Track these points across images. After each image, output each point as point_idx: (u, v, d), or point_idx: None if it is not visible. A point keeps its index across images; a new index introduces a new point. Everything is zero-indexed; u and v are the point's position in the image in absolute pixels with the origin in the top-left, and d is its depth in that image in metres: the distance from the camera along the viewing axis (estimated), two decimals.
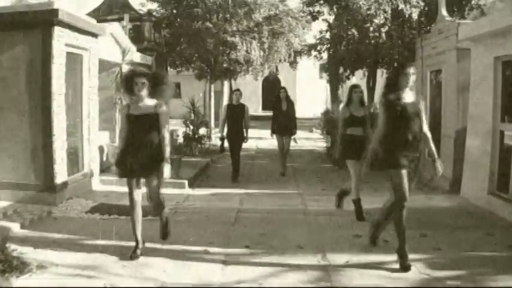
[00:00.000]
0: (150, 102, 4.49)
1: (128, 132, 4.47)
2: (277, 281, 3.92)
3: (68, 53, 6.70)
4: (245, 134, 9.10)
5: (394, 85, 4.29)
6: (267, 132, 10.50)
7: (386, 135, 4.24)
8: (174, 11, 15.01)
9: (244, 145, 9.40)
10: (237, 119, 8.98)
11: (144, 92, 4.44)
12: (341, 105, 12.37)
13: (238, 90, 9.41)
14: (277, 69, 19.05)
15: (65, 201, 6.43)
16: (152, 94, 4.50)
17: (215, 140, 13.26)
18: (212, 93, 17.04)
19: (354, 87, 6.18)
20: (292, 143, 10.03)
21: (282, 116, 9.60)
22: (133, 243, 4.47)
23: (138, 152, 4.35)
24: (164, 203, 4.72)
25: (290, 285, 3.84)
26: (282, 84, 22.62)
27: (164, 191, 7.14)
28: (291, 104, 9.71)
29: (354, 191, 5.98)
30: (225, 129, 9.19)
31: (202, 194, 7.85)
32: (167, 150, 4.42)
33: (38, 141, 6.29)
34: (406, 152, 4.15)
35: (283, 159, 9.94)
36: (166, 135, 4.48)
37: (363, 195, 5.92)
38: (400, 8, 12.01)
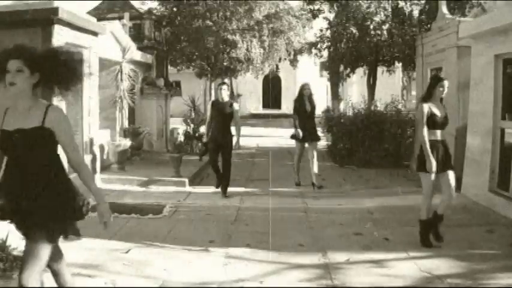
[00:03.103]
0: (38, 105, 2.52)
1: (7, 161, 2.56)
2: (278, 279, 3.91)
3: None
4: (237, 139, 7.41)
5: None
6: (268, 130, 10.44)
7: None
8: (175, 9, 15.02)
9: (245, 143, 9.29)
10: (224, 118, 7.21)
11: (25, 88, 2.45)
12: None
13: (224, 83, 7.73)
14: (277, 68, 19.04)
15: None
16: (45, 88, 2.60)
17: None
18: (212, 92, 17.05)
19: (440, 79, 4.86)
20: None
21: (306, 118, 7.96)
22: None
23: (20, 194, 2.51)
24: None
25: (291, 283, 3.83)
26: (283, 83, 22.53)
27: (165, 189, 7.19)
28: (314, 104, 8.15)
29: (422, 209, 4.72)
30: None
31: (202, 192, 7.84)
32: (93, 186, 2.77)
33: None
34: None
35: (298, 167, 8.53)
36: (80, 161, 2.69)
37: (363, 193, 5.90)
38: (400, 5, 12.04)
